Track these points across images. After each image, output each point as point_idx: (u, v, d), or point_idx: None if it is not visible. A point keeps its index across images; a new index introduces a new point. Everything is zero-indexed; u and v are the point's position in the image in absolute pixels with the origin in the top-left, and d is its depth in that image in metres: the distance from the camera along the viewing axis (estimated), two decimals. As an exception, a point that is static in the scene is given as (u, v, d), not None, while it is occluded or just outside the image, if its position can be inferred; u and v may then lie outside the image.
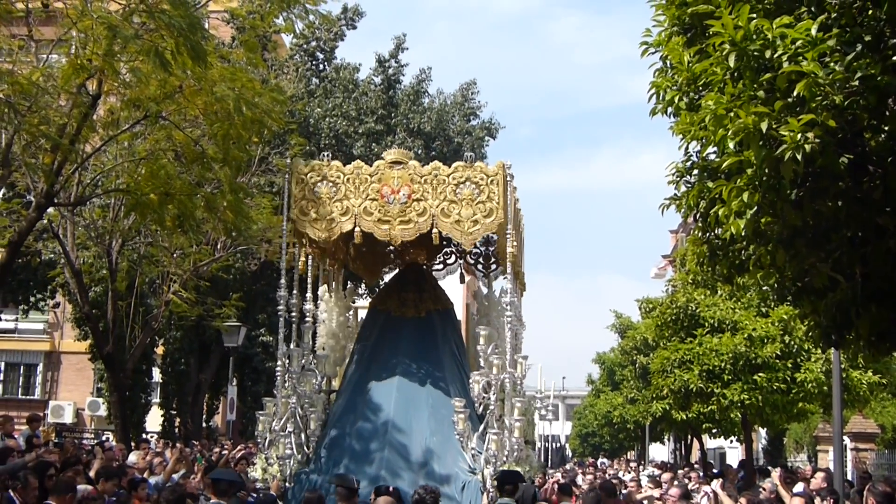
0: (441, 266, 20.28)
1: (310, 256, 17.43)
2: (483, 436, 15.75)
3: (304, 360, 17.04)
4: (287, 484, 15.74)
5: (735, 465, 32.59)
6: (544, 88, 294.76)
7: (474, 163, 16.60)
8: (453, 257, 20.38)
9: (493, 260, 19.85)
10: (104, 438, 28.10)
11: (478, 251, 19.77)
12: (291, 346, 16.91)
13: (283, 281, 16.76)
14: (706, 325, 28.15)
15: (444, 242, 18.62)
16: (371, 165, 16.83)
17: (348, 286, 20.87)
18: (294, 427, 16.24)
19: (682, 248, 44.17)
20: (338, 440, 16.54)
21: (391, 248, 19.65)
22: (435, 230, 16.09)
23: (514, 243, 16.42)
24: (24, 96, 15.80)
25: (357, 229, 16.23)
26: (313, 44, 40.50)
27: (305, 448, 16.39)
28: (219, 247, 28.00)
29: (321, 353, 18.03)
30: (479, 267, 20.15)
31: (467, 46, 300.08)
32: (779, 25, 8.21)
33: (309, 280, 17.75)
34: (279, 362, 16.80)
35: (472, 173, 16.24)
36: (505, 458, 15.22)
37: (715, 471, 31.68)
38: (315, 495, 13.43)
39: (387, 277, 21.39)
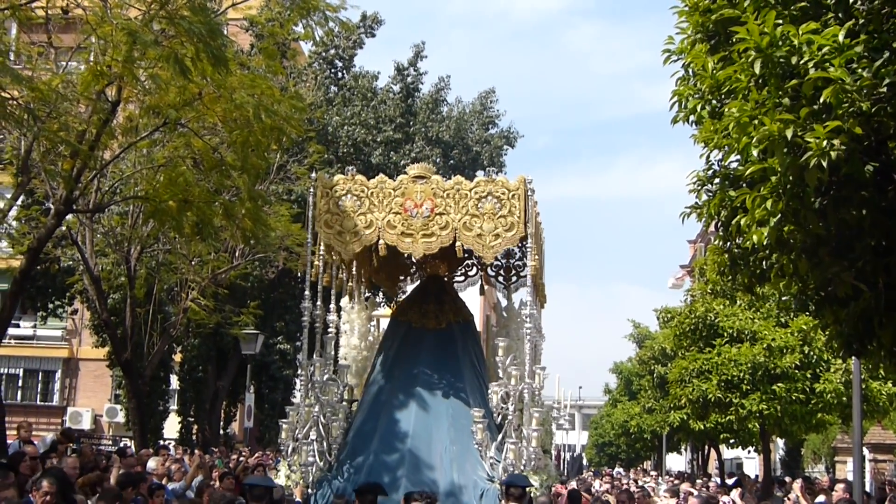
0: (462, 278, 20.35)
1: (333, 268, 17.58)
2: (501, 445, 15.87)
3: (326, 370, 17.09)
4: (310, 490, 15.86)
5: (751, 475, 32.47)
6: (562, 98, 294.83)
7: (496, 177, 16.62)
8: (474, 269, 20.45)
9: (513, 272, 19.92)
10: (122, 444, 28.08)
11: (498, 264, 19.82)
12: (315, 357, 16.96)
13: (307, 293, 16.88)
14: (725, 334, 28.10)
15: (466, 255, 18.67)
16: (390, 174, 17.02)
17: (368, 297, 20.92)
18: (317, 435, 16.33)
19: (702, 257, 44.08)
20: (360, 449, 16.65)
21: (412, 259, 19.71)
22: (457, 243, 16.22)
23: (536, 257, 16.57)
24: (44, 102, 15.81)
25: (381, 242, 16.39)
26: (332, 52, 40.50)
27: (328, 456, 16.47)
28: (237, 254, 28.03)
29: (343, 363, 18.17)
30: (500, 279, 20.19)
31: (485, 55, 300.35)
32: (805, 31, 8.15)
33: (333, 291, 17.91)
34: (301, 372, 16.93)
35: (493, 188, 16.36)
36: (523, 467, 15.32)
37: (730, 481, 31.53)
38: (342, 501, 13.46)
39: (406, 288, 21.46)
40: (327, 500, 15.46)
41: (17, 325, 50.22)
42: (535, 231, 16.64)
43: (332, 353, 17.92)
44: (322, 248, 16.84)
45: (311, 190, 16.93)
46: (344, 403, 17.46)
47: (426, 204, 16.38)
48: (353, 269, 18.94)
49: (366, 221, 16.49)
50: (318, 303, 17.09)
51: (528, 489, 13.62)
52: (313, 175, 17.25)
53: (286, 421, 17.03)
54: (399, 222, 16.42)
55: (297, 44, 36.18)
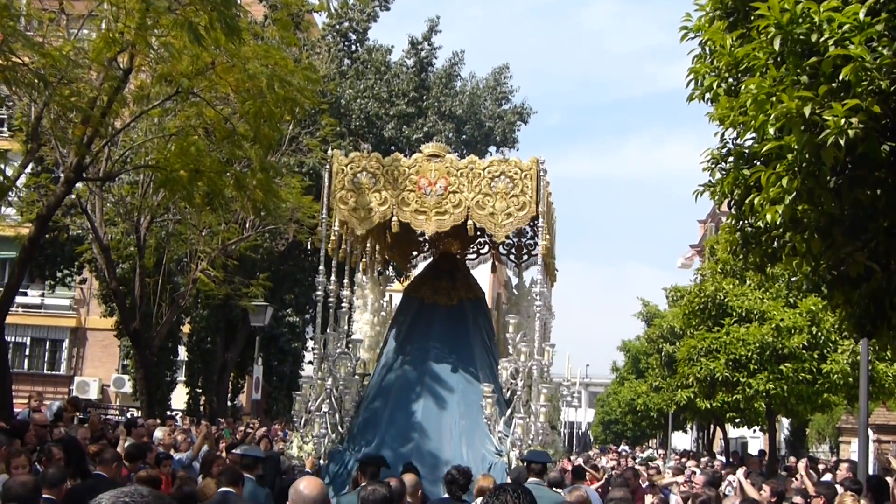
0: (474, 256, 20.58)
1: (347, 243, 17.78)
2: (510, 420, 16.10)
3: (339, 344, 17.35)
4: (322, 461, 16.12)
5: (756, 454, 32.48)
6: (575, 75, 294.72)
7: (508, 157, 16.92)
8: (486, 247, 20.69)
9: (524, 251, 20.22)
10: (131, 416, 28.12)
11: (510, 242, 20.05)
12: (328, 331, 17.26)
13: (321, 268, 17.11)
14: (734, 314, 28.10)
15: (478, 233, 18.92)
16: (402, 148, 17.16)
17: (382, 273, 21.16)
18: (329, 408, 16.58)
19: (712, 237, 44.02)
20: (371, 421, 16.96)
21: (425, 236, 19.91)
22: (469, 222, 16.46)
23: (547, 236, 16.81)
24: (55, 69, 15.77)
25: (395, 219, 16.60)
26: (346, 24, 40.37)
27: (340, 428, 16.76)
28: (247, 226, 28.02)
29: (356, 338, 18.46)
30: (511, 257, 20.45)
31: (500, 31, 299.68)
32: (826, 9, 8.08)
33: (347, 267, 18.10)
34: (315, 346, 17.25)
35: (506, 168, 16.56)
36: (530, 442, 15.56)
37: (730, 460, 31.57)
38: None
39: (417, 263, 21.71)
40: (339, 472, 15.70)
41: (25, 294, 50.31)
42: (547, 211, 16.78)
43: (346, 327, 18.18)
44: (336, 223, 17.01)
45: (327, 166, 17.07)
46: (356, 377, 17.66)
47: (440, 182, 16.60)
48: (367, 244, 19.18)
49: (380, 198, 16.67)
50: (332, 277, 17.34)
51: (548, 465, 13.73)
52: (329, 152, 17.36)
53: (299, 393, 17.38)
54: (413, 200, 16.62)
55: (310, 16, 36.10)
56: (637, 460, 34.34)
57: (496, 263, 21.40)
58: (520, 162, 16.67)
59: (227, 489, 11.03)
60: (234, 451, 15.63)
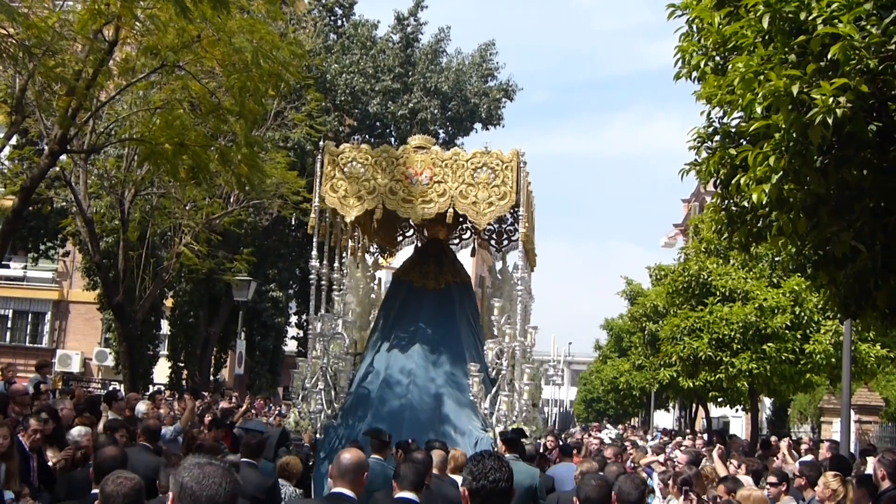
0: (457, 241, 21.24)
1: (338, 229, 18.53)
2: (495, 398, 16.73)
3: (333, 325, 17.96)
4: (317, 435, 16.79)
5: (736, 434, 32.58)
6: (562, 52, 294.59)
7: (490, 150, 17.57)
8: (469, 233, 21.41)
9: (504, 236, 21.01)
10: (112, 388, 28.04)
11: (491, 228, 20.71)
12: (322, 311, 17.95)
13: (314, 252, 17.77)
14: (717, 293, 28.22)
15: (461, 220, 19.75)
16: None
17: (371, 255, 21.72)
18: (324, 385, 17.27)
19: (696, 216, 44.08)
20: (363, 398, 17.56)
21: (412, 223, 20.68)
22: (450, 210, 17.07)
23: (526, 224, 17.44)
24: (40, 40, 15.66)
25: (379, 207, 17.22)
26: (332, -1, 40.32)
27: (334, 404, 17.40)
28: (231, 200, 27.93)
29: (349, 319, 18.98)
30: (493, 243, 21.32)
31: (486, 7, 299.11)
32: (815, -13, 8.08)
33: (338, 251, 18.89)
34: (310, 326, 18.02)
35: (488, 159, 17.25)
36: (514, 419, 16.25)
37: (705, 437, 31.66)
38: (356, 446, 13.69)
39: (405, 248, 22.32)
40: (333, 446, 16.16)
41: (8, 266, 50.26)
42: (527, 200, 17.43)
43: (341, 309, 18.76)
44: (328, 211, 17.75)
45: (318, 156, 17.62)
46: (349, 356, 18.23)
47: (426, 172, 17.28)
48: (356, 230, 19.82)
49: (370, 187, 17.28)
50: (325, 261, 18.10)
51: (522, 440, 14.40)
52: (321, 143, 17.78)
53: (297, 371, 18.04)
54: (400, 189, 17.24)
55: (296, -11, 35.96)
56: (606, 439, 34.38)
57: (477, 248, 22.10)
58: (501, 154, 17.29)
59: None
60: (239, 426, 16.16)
